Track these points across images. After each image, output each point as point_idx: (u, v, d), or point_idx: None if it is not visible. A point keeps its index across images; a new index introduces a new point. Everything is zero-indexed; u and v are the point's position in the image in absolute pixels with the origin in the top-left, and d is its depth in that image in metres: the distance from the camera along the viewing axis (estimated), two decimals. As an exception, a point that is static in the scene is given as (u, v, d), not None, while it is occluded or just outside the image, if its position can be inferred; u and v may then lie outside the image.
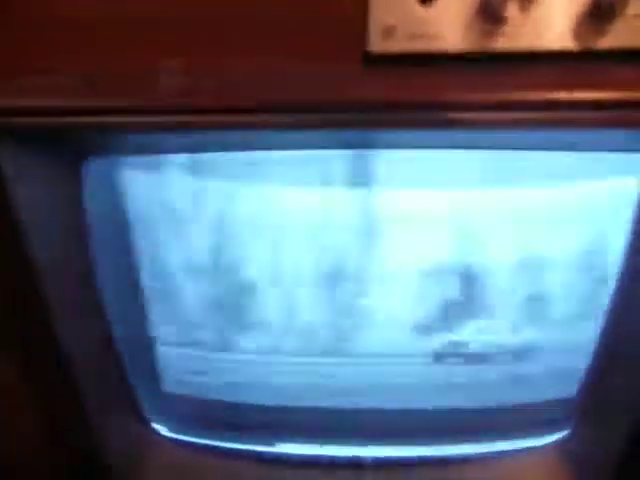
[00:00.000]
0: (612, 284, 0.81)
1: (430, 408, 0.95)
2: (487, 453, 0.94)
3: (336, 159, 0.77)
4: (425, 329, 0.90)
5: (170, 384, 0.96)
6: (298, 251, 0.84)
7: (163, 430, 0.99)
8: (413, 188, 0.80)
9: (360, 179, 0.77)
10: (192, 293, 0.86)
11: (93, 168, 0.71)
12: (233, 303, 0.87)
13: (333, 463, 0.95)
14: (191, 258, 0.83)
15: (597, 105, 0.56)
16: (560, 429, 0.92)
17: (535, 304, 0.90)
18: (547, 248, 0.84)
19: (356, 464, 0.94)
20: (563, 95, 0.56)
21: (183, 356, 0.94)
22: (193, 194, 0.77)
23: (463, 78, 0.56)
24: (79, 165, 0.70)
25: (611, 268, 0.80)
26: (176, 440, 0.99)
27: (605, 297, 0.82)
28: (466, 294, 0.89)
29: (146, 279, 0.82)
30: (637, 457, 0.81)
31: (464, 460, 0.94)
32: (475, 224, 0.83)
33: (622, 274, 0.79)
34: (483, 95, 0.57)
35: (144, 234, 0.79)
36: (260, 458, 0.97)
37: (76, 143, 0.68)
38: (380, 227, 0.83)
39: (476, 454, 0.94)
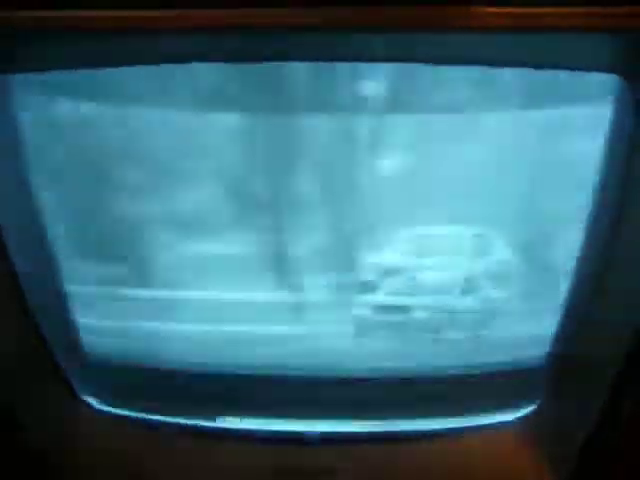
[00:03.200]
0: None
1: (391, 377, 0.88)
2: (453, 428, 0.88)
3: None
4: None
5: (93, 352, 0.89)
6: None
7: (94, 403, 0.92)
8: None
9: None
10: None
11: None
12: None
13: (278, 438, 0.88)
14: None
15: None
16: (527, 404, 0.87)
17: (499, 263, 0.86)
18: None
19: (301, 439, 0.87)
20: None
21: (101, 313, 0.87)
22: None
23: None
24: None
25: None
26: (109, 413, 0.92)
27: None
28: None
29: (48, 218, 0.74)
30: (603, 433, 0.77)
31: (430, 435, 0.87)
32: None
33: (591, 221, 0.74)
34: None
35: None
36: (200, 432, 0.90)
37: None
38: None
39: (442, 429, 0.88)
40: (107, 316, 0.88)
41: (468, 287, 0.89)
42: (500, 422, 0.87)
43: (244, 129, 0.79)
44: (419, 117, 0.78)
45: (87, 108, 0.73)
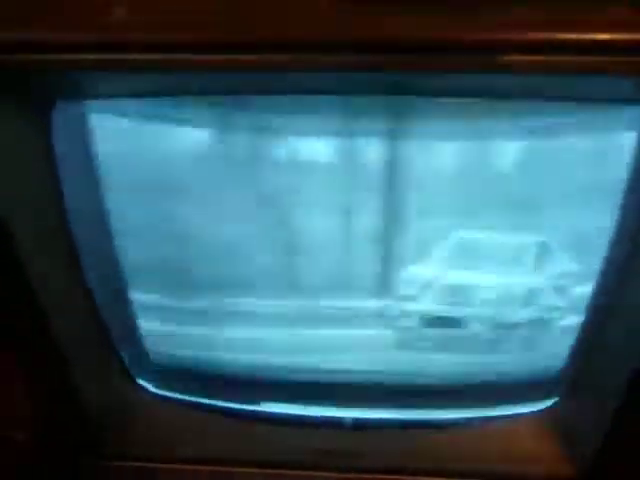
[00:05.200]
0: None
1: (418, 371, 0.94)
2: (475, 419, 0.94)
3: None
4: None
5: (153, 345, 0.96)
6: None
7: (149, 387, 0.99)
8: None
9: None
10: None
11: (61, 114, 0.69)
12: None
13: (315, 423, 0.95)
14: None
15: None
16: (549, 397, 0.92)
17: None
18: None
19: (337, 424, 0.94)
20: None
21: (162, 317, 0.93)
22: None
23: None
24: (47, 112, 0.69)
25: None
26: (162, 397, 0.99)
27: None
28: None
29: (118, 230, 0.81)
30: (623, 425, 0.80)
31: (452, 425, 0.93)
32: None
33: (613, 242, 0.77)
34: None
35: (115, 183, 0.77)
36: (245, 416, 0.97)
37: (42, 87, 0.66)
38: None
39: (464, 419, 0.94)
40: (167, 322, 0.95)
41: (528, 300, 0.91)
42: (520, 414, 0.92)
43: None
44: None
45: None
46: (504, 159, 0.85)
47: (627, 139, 0.69)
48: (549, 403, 0.92)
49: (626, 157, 0.70)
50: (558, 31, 0.52)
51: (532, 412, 0.93)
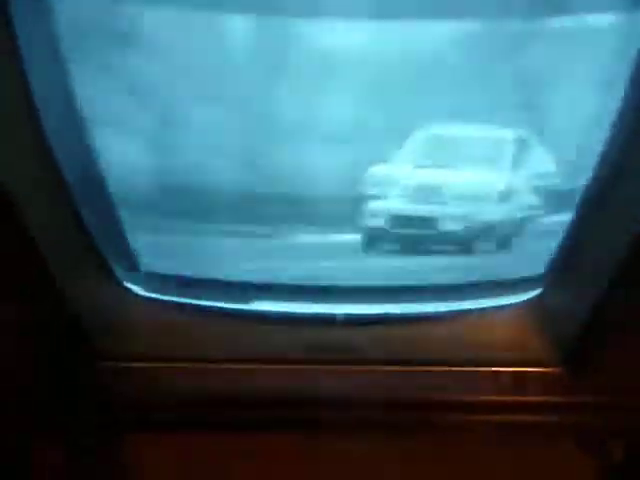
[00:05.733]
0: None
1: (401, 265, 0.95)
2: (460, 310, 0.97)
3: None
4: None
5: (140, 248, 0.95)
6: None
7: (138, 290, 0.99)
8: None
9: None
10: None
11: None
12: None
13: (307, 319, 0.97)
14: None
15: None
16: (532, 288, 0.95)
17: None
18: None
19: (328, 320, 0.96)
20: None
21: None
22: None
23: None
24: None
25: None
26: (151, 299, 1.00)
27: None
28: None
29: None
30: (604, 311, 0.84)
31: (438, 318, 0.97)
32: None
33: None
34: None
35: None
36: (236, 315, 0.99)
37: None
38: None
39: (448, 311, 0.97)
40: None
41: (504, 196, 0.89)
42: (506, 305, 0.96)
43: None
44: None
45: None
46: (481, 39, 0.78)
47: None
48: (534, 294, 0.95)
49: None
50: None
51: (518, 303, 0.96)
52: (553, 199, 0.89)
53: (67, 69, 0.73)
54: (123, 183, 0.86)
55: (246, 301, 0.99)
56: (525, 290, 0.95)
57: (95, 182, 0.85)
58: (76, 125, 0.78)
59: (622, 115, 0.73)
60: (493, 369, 0.94)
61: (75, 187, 0.81)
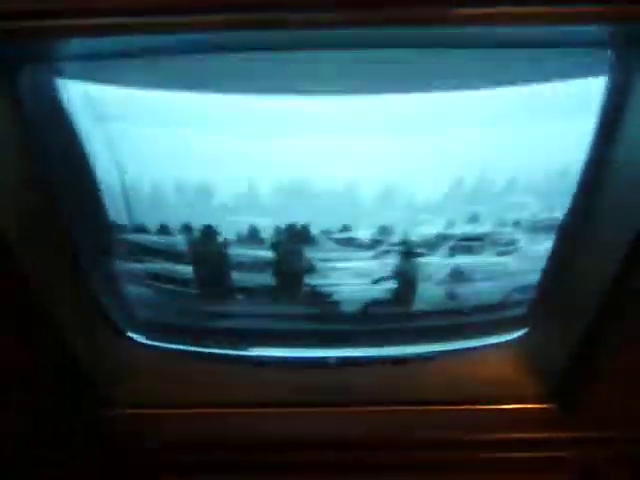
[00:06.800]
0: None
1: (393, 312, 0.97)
2: (449, 351, 0.99)
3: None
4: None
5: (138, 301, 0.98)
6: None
7: (139, 338, 1.02)
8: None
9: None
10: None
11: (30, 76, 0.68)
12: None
13: (301, 363, 1.01)
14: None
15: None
16: (518, 329, 0.98)
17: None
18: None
19: (322, 363, 0.99)
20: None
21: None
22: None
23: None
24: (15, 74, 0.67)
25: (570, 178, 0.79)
26: (151, 347, 1.03)
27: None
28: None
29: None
30: (587, 356, 0.87)
31: (428, 358, 0.99)
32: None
33: (581, 186, 0.79)
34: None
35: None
36: (231, 360, 1.02)
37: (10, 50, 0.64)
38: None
39: (439, 352, 0.99)
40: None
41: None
42: (495, 344, 0.98)
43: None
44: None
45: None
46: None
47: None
48: (521, 333, 0.98)
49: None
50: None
51: (506, 341, 0.99)
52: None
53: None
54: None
55: (244, 348, 1.02)
56: (512, 329, 0.98)
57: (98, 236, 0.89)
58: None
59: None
60: (484, 407, 0.97)
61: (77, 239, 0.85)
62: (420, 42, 0.64)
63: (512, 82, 0.70)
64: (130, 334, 1.01)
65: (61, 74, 0.70)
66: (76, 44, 0.62)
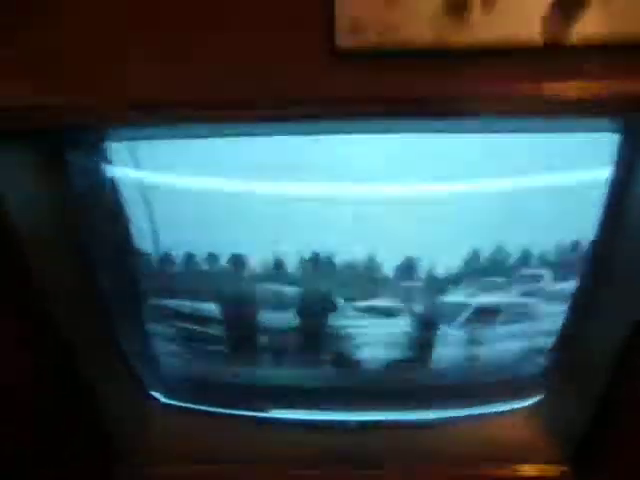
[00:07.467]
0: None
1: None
2: (468, 416, 1.01)
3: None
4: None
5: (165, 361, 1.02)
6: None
7: (161, 397, 1.05)
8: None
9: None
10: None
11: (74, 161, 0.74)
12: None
13: (322, 425, 1.02)
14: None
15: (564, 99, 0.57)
16: (535, 395, 0.99)
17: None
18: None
19: (342, 426, 1.01)
20: (528, 88, 0.57)
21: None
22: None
23: (430, 72, 0.57)
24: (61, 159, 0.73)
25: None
26: (173, 406, 1.05)
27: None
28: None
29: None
30: (604, 420, 0.88)
31: (446, 422, 1.01)
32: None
33: (589, 269, 0.83)
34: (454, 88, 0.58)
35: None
36: (254, 421, 1.03)
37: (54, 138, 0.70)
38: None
39: (458, 417, 1.01)
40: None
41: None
42: (512, 409, 1.00)
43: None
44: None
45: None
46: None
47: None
48: (537, 399, 0.99)
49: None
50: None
51: (520, 408, 1.00)
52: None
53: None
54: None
55: (263, 409, 1.04)
56: (529, 395, 0.99)
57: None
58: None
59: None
60: (503, 470, 0.97)
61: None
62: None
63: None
64: (153, 392, 1.04)
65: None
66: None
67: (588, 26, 0.55)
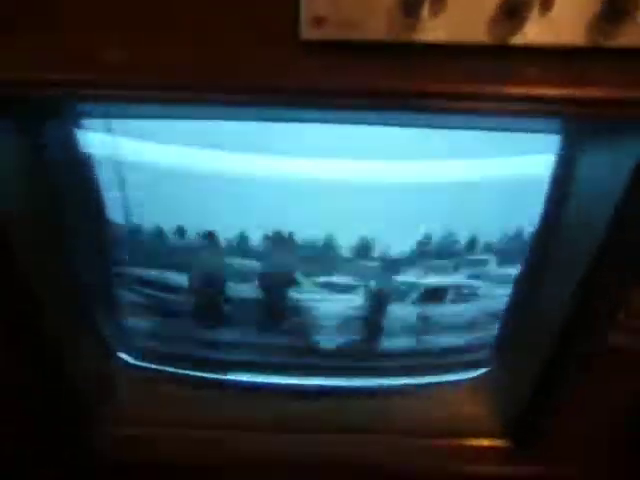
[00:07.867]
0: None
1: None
2: (416, 385, 1.08)
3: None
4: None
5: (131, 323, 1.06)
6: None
7: (128, 359, 1.09)
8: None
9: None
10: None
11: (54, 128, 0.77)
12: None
13: (281, 390, 1.07)
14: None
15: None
16: (481, 366, 1.07)
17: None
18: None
19: (301, 391, 1.07)
20: (473, 87, 0.62)
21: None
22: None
23: (386, 68, 0.61)
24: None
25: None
26: (140, 367, 1.09)
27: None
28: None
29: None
30: (544, 392, 0.93)
31: (395, 391, 1.07)
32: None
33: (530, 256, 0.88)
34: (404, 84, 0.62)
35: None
36: (215, 385, 1.08)
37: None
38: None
39: (406, 385, 1.07)
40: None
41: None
42: (459, 379, 1.07)
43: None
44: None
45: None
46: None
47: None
48: (484, 370, 1.06)
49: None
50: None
51: (468, 378, 1.07)
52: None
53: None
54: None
55: (226, 371, 1.09)
56: (475, 367, 1.06)
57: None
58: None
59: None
60: (445, 441, 1.03)
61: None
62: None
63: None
64: (121, 354, 1.08)
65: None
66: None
67: (530, 34, 0.59)
